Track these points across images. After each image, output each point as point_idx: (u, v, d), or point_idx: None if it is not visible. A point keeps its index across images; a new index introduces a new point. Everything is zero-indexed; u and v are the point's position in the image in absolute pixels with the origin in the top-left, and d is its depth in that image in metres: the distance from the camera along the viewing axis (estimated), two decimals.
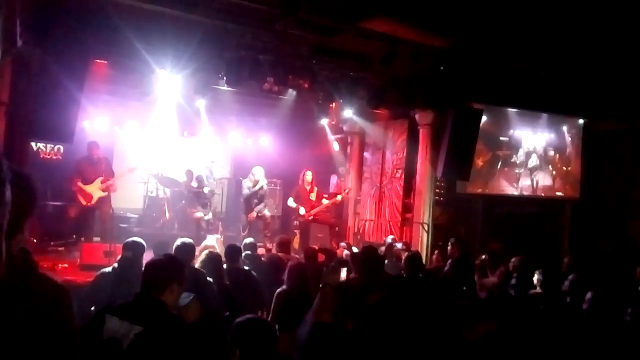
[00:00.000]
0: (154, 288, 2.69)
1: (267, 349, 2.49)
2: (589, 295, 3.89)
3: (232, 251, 5.55)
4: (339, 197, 10.20)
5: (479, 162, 10.42)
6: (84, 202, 8.41)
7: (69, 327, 1.50)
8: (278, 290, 4.61)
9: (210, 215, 10.23)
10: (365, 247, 5.59)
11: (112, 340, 2.48)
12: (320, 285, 3.13)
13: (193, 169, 10.94)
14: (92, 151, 8.54)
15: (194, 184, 10.31)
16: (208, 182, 11.15)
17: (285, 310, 4.45)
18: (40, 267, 1.55)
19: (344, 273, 4.75)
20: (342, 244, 8.81)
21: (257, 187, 9.79)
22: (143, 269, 2.90)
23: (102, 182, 8.47)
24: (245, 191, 9.85)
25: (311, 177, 9.88)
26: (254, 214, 9.80)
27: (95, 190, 8.43)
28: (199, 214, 9.80)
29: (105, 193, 8.57)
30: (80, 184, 8.36)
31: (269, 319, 4.69)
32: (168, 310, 2.68)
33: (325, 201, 9.89)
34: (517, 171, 11.16)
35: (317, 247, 7.59)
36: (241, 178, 10.53)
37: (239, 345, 2.46)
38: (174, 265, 2.87)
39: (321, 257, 6.61)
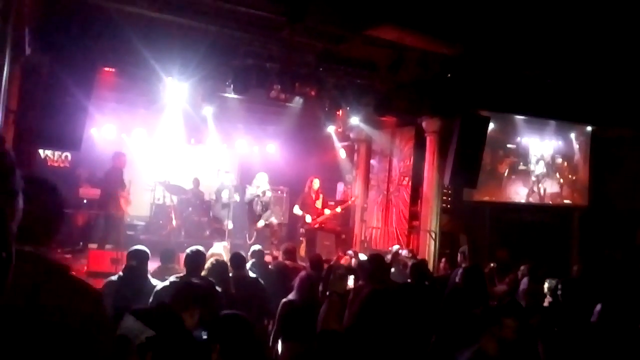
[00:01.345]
0: (178, 304, 2.91)
1: (245, 343, 2.58)
2: (598, 307, 3.82)
3: (238, 259, 5.53)
4: (338, 209, 10.19)
5: (502, 167, 10.50)
6: (125, 209, 8.89)
7: (108, 328, 1.56)
8: (284, 300, 4.59)
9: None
10: (373, 254, 5.56)
11: (123, 337, 2.51)
12: (327, 293, 3.12)
13: (199, 177, 10.96)
14: (122, 162, 8.75)
15: (237, 196, 10.30)
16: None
17: (289, 320, 4.43)
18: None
19: (351, 281, 4.73)
20: (349, 251, 8.76)
21: (258, 191, 9.71)
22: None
23: (127, 193, 8.98)
24: (247, 197, 9.84)
25: (318, 184, 9.86)
26: (262, 222, 9.75)
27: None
28: (231, 226, 9.88)
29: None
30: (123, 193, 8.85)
31: (274, 327, 4.66)
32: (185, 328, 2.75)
33: (327, 211, 9.86)
34: (524, 179, 11.11)
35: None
36: (247, 185, 10.52)
37: (219, 341, 2.56)
38: (204, 293, 3.13)
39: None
